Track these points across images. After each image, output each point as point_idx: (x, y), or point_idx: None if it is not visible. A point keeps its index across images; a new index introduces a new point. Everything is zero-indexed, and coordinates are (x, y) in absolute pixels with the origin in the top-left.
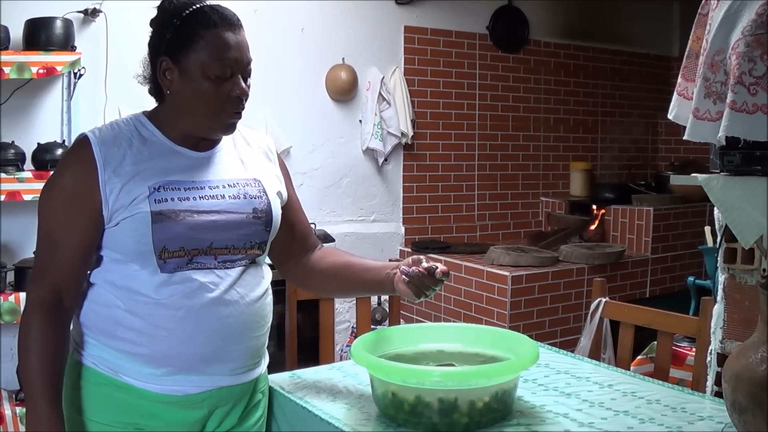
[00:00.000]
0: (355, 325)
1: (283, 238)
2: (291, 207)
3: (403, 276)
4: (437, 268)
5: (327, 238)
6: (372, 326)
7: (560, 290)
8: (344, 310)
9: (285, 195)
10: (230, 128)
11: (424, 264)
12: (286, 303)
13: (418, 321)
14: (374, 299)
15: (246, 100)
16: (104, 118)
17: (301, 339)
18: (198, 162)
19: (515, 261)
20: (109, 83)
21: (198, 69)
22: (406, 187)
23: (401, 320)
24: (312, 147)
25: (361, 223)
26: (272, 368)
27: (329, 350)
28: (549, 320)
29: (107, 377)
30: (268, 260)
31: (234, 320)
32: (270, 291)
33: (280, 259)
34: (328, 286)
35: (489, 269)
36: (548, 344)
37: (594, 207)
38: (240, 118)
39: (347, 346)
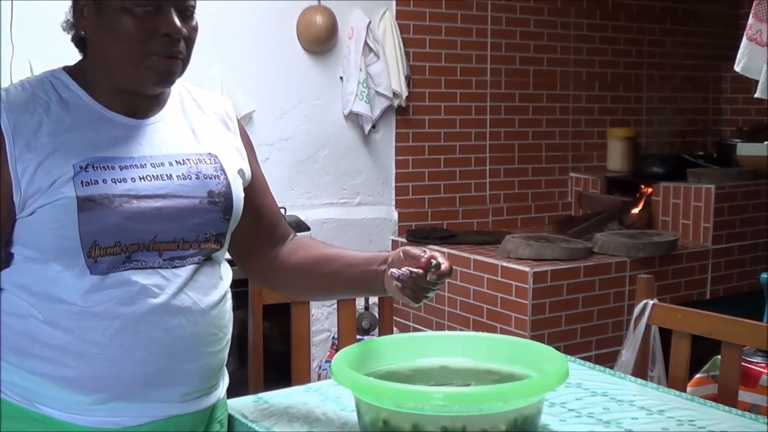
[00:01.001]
0: (336, 336)
1: (246, 227)
2: (256, 188)
3: (394, 281)
4: (436, 265)
5: (300, 227)
6: (358, 336)
7: (595, 290)
8: (322, 316)
9: (248, 173)
10: (163, 78)
11: (414, 251)
12: (249, 308)
13: (415, 329)
14: (360, 302)
15: (188, 46)
16: (11, 75)
17: (269, 353)
18: (136, 132)
19: (538, 253)
20: (16, 30)
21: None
22: (399, 161)
23: (394, 329)
24: (280, 112)
25: (343, 206)
26: (232, 391)
27: (304, 367)
28: (581, 328)
29: (19, 408)
30: (227, 256)
31: (184, 332)
32: (229, 295)
33: (242, 253)
34: (302, 286)
35: (505, 264)
36: (580, 358)
37: (638, 185)
38: (178, 66)
39: (326, 361)
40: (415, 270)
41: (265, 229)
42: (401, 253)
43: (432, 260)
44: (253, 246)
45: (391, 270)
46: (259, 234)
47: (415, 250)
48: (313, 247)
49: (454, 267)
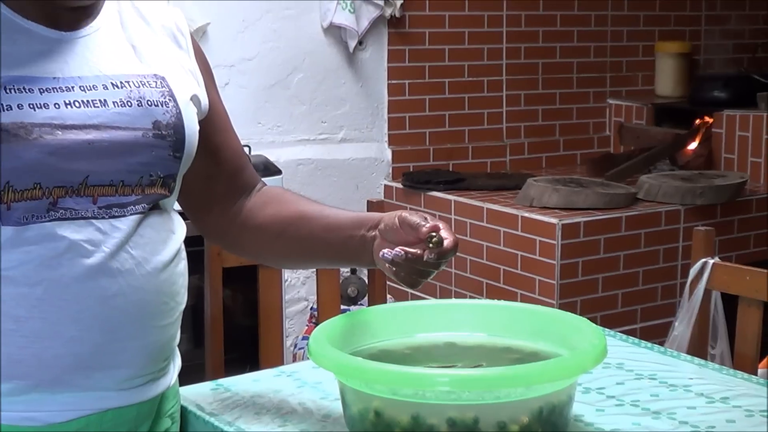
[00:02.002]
0: (315, 306)
1: (201, 172)
2: (214, 123)
3: (386, 263)
4: (437, 241)
5: (268, 170)
6: (342, 307)
7: (640, 246)
8: (298, 282)
9: (204, 102)
10: None
11: (413, 219)
12: (205, 273)
13: (414, 298)
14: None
15: None
16: None
17: (231, 329)
18: (61, 47)
19: (568, 201)
20: None
21: None
22: (393, 86)
23: (388, 297)
24: (242, 25)
25: (322, 144)
26: (186, 377)
27: (275, 346)
28: (623, 295)
29: None
30: (177, 206)
31: (126, 301)
32: (183, 254)
33: (196, 206)
34: (271, 250)
35: (526, 214)
36: (622, 332)
37: (695, 114)
38: None
39: (303, 338)
40: (411, 251)
41: (225, 176)
42: (397, 220)
43: (433, 233)
44: (209, 197)
45: (383, 252)
46: (218, 181)
47: (414, 218)
48: (286, 202)
49: (463, 218)
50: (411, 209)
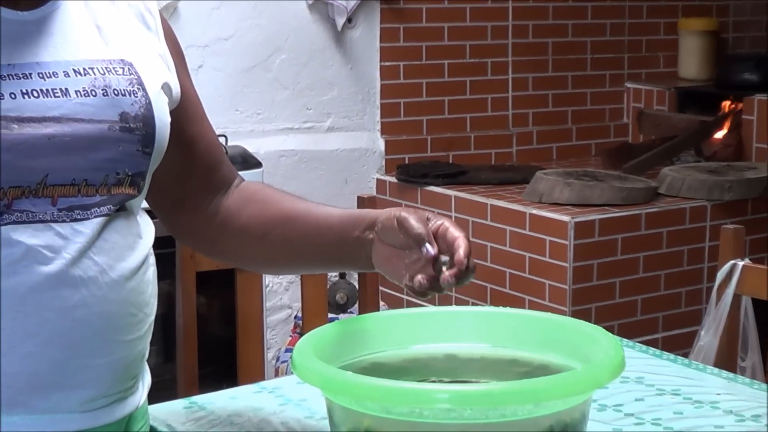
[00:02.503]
0: (300, 314)
1: (173, 168)
2: (187, 112)
3: (407, 279)
4: (455, 264)
5: (247, 162)
6: (330, 315)
7: (662, 247)
8: (280, 287)
9: (176, 89)
10: None
11: (413, 225)
12: (176, 278)
13: (410, 304)
14: None
15: None
16: None
17: (206, 341)
18: (16, 29)
19: (581, 196)
20: None
21: None
22: (386, 69)
23: (381, 304)
24: (216, 1)
25: (307, 133)
26: (156, 395)
27: (255, 359)
28: (642, 300)
29: None
30: (145, 204)
31: (88, 313)
32: (152, 259)
33: (168, 204)
34: (253, 255)
35: (535, 211)
36: (642, 342)
37: (723, 99)
38: None
39: (287, 350)
40: (426, 279)
41: (199, 171)
42: (395, 222)
43: (443, 258)
44: (182, 195)
45: (418, 279)
46: (192, 178)
47: (414, 222)
48: (269, 200)
49: (464, 216)
50: (406, 205)
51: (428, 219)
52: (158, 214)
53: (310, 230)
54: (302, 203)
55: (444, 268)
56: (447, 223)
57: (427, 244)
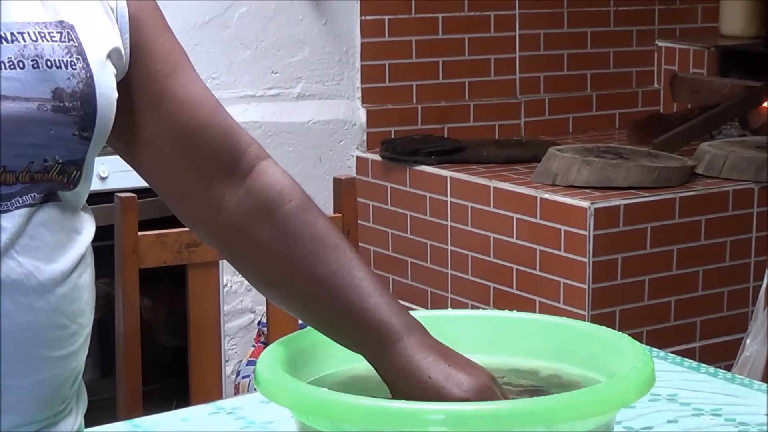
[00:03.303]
0: (264, 320)
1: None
2: (158, 66)
3: None
4: None
5: None
6: (301, 321)
7: (699, 239)
8: (241, 287)
9: (127, 56)
10: None
11: None
12: (116, 276)
13: None
14: None
15: None
16: None
17: (152, 351)
18: None
19: (603, 177)
20: None
21: None
22: (367, 24)
23: None
24: None
25: (273, 102)
26: (93, 416)
27: (211, 374)
28: (676, 302)
29: None
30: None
31: (11, 324)
32: (90, 260)
33: (172, 192)
34: (277, 292)
35: (547, 196)
36: (675, 353)
37: None
38: None
39: (249, 363)
40: None
41: (172, 137)
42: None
43: None
44: (181, 182)
45: None
46: (184, 159)
47: None
48: (297, 246)
49: (462, 201)
50: (393, 189)
51: None
52: (169, 206)
53: (354, 308)
54: (344, 273)
55: None
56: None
57: None
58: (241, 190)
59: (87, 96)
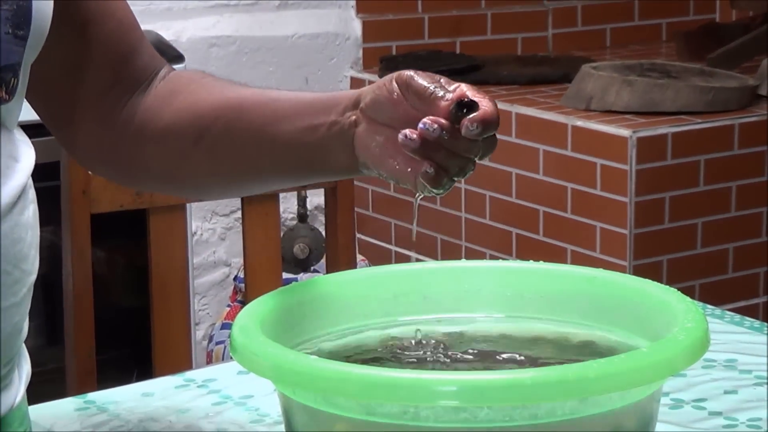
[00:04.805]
0: (242, 275)
1: (68, 58)
2: (111, 9)
3: (403, 142)
4: (468, 107)
5: (164, 54)
6: (286, 276)
7: (763, 173)
8: (214, 235)
9: None
10: None
11: (420, 82)
12: (63, 223)
13: (400, 258)
14: (288, 203)
15: None
16: None
17: (107, 313)
18: None
19: (648, 100)
20: None
21: None
22: None
23: (359, 258)
24: None
25: (249, 12)
26: (37, 389)
27: (178, 339)
28: (735, 250)
29: None
30: (29, 116)
31: None
32: (32, 195)
33: (62, 110)
34: (186, 168)
35: (580, 123)
36: (733, 310)
37: None
38: None
39: (224, 326)
40: (443, 122)
41: (104, 61)
42: (395, 85)
43: (462, 100)
44: (83, 98)
45: (404, 133)
46: (95, 71)
47: (422, 81)
48: (207, 88)
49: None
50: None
51: (440, 80)
52: (50, 128)
53: (266, 119)
54: (253, 89)
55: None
56: (466, 88)
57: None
58: (152, 93)
59: None
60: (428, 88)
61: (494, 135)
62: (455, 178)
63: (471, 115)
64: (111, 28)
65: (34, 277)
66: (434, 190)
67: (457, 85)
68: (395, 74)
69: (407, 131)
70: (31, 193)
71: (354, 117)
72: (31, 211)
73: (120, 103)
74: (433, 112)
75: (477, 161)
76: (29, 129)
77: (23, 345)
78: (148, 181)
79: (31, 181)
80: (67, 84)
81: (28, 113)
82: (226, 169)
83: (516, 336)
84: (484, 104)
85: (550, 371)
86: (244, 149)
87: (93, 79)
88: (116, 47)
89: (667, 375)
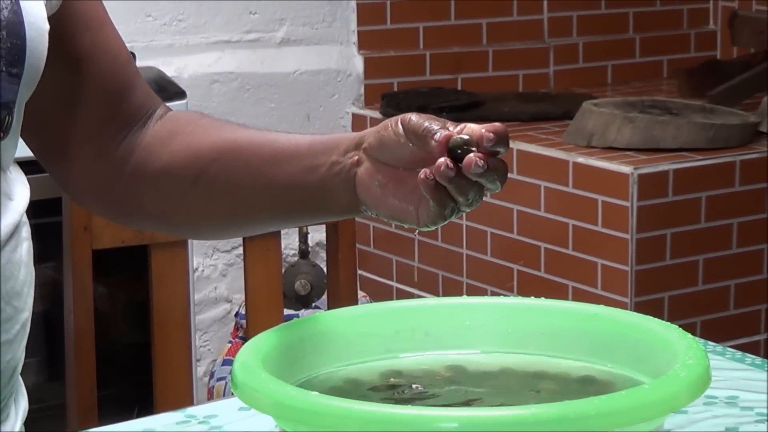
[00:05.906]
0: (243, 311)
1: (63, 95)
2: (79, 14)
3: (444, 172)
4: (466, 141)
5: (165, 91)
6: (287, 312)
7: (764, 211)
8: (215, 272)
9: None
10: None
11: (420, 123)
12: (64, 259)
13: (401, 295)
14: (290, 240)
15: None
16: None
17: (108, 350)
18: None
19: (649, 137)
20: None
21: None
22: None
23: (359, 294)
24: None
25: (252, 49)
26: (37, 426)
27: (179, 375)
28: (736, 287)
29: None
30: (25, 152)
31: None
32: (26, 231)
33: (58, 149)
34: (183, 208)
35: (581, 159)
36: (735, 347)
37: None
38: None
39: (225, 362)
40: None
41: (100, 99)
42: (400, 127)
43: (460, 137)
44: (78, 134)
45: (422, 174)
46: (90, 108)
47: (424, 122)
48: (205, 129)
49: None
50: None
51: (440, 121)
52: (44, 164)
53: (265, 160)
54: (252, 131)
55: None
56: (471, 125)
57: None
58: (150, 133)
59: (14, 25)
60: (427, 127)
61: (503, 162)
62: (459, 205)
63: (474, 154)
64: (105, 65)
65: (27, 314)
66: (438, 223)
67: (463, 125)
68: (400, 116)
69: (426, 170)
70: (26, 231)
71: (356, 157)
72: (24, 249)
73: (115, 141)
74: (429, 149)
75: (491, 189)
76: (30, 165)
77: (20, 380)
78: (142, 220)
79: (25, 218)
80: (61, 120)
81: (28, 150)
82: (222, 211)
83: (518, 371)
84: (490, 133)
85: (550, 408)
86: (241, 190)
87: (87, 116)
88: (111, 84)
89: (669, 412)
